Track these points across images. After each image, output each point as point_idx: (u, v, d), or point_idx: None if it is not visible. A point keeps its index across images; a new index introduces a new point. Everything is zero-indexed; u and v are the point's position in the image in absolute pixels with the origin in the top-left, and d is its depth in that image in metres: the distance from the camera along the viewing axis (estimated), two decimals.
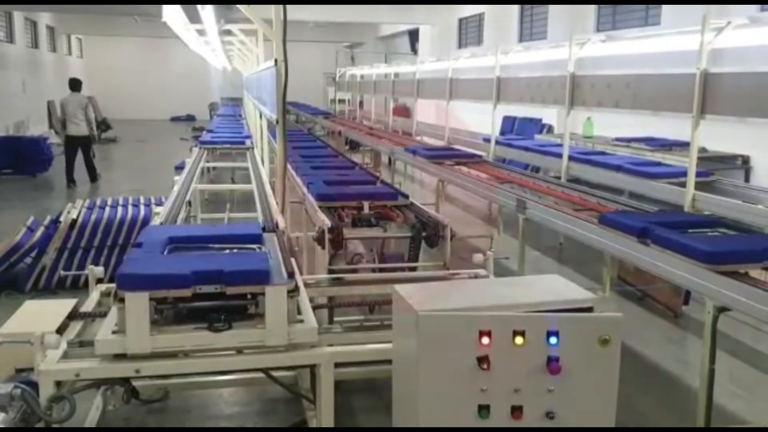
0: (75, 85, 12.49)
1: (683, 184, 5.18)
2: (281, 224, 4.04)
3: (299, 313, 2.82)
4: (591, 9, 11.64)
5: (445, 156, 7.86)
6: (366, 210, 4.29)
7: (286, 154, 4.56)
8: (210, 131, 11.21)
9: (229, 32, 11.03)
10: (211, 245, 3.18)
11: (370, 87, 15.25)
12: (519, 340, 2.08)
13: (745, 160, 7.52)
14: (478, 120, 10.43)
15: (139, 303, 2.57)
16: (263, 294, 2.68)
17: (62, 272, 5.88)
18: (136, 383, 2.96)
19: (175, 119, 29.55)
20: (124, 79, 28.76)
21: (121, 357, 2.61)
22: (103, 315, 3.01)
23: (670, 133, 7.82)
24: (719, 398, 3.59)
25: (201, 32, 11.44)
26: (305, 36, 23.18)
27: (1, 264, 6.00)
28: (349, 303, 3.73)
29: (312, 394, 3.15)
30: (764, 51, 4.93)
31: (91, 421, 3.32)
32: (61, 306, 3.22)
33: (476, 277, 3.57)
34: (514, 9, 14.65)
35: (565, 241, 7.43)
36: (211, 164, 9.03)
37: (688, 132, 5.02)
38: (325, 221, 3.91)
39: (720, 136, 7.03)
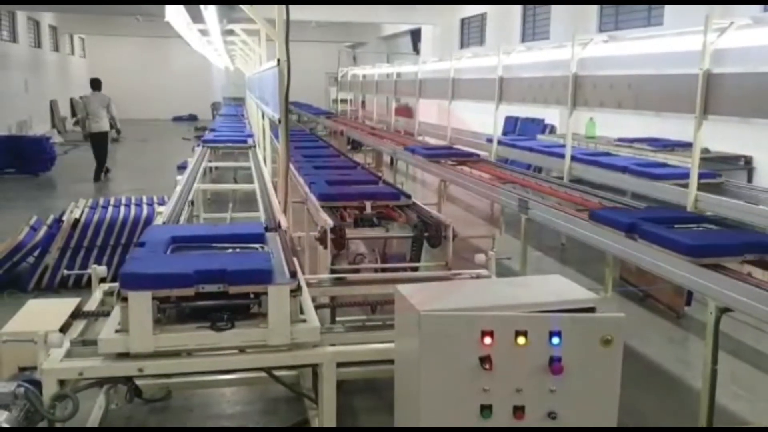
0: (96, 84, 12.96)
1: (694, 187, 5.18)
2: (283, 224, 4.04)
3: (301, 312, 2.82)
4: (593, 9, 11.63)
5: (443, 155, 7.94)
6: (368, 210, 4.29)
7: (289, 154, 4.56)
8: (212, 130, 11.30)
9: (231, 32, 11.03)
10: (213, 245, 3.19)
11: (372, 87, 15.24)
12: (521, 340, 2.08)
13: (748, 161, 7.51)
14: (481, 120, 10.44)
15: (141, 302, 2.57)
16: (266, 293, 2.69)
17: (65, 271, 5.89)
18: (138, 382, 2.96)
19: (177, 119, 29.58)
20: (126, 79, 28.70)
21: (123, 356, 2.62)
22: (106, 314, 3.02)
23: (671, 133, 7.81)
24: (721, 399, 3.58)
25: (203, 32, 11.45)
26: (307, 36, 23.19)
27: (4, 263, 6.01)
28: (351, 303, 3.74)
29: (314, 394, 3.15)
30: (767, 51, 4.92)
31: (93, 419, 3.32)
32: (64, 305, 3.24)
33: (478, 277, 3.58)
34: (517, 9, 14.65)
35: (567, 241, 7.43)
36: (214, 164, 9.03)
37: (690, 132, 5.02)
38: (328, 221, 3.91)
39: (722, 136, 7.02)
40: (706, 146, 6.67)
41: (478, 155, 8.18)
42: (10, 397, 2.62)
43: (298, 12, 7.53)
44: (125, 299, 2.58)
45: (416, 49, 22.45)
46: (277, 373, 3.00)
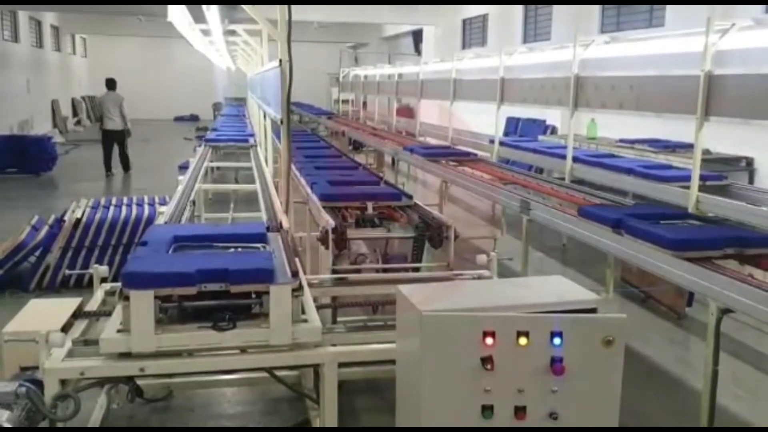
0: (111, 84, 13.57)
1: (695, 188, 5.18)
2: (285, 224, 4.04)
3: (303, 312, 2.82)
4: (595, 10, 11.63)
5: (441, 154, 8.02)
6: (370, 210, 4.29)
7: (291, 154, 4.56)
8: (214, 130, 11.38)
9: (233, 32, 11.04)
10: (215, 244, 3.20)
11: (374, 87, 15.24)
12: (523, 340, 2.09)
13: (749, 162, 7.51)
14: (482, 121, 10.43)
15: (143, 302, 2.57)
16: (267, 292, 2.69)
17: (66, 271, 5.89)
18: (140, 382, 2.96)
19: (178, 119, 29.60)
20: (127, 79, 28.54)
21: (125, 356, 2.62)
22: (108, 314, 3.03)
23: (671, 134, 7.80)
24: (722, 400, 3.58)
25: (205, 32, 11.46)
26: (309, 36, 23.17)
27: (6, 263, 6.02)
28: (352, 303, 3.74)
29: (315, 394, 3.15)
30: None
31: (95, 419, 3.33)
32: (66, 305, 3.24)
33: (480, 277, 3.58)
34: (518, 10, 14.64)
35: (569, 242, 7.42)
36: (215, 164, 9.04)
37: (690, 133, 5.01)
38: (329, 221, 3.92)
39: (723, 137, 7.01)
40: (708, 147, 6.66)
41: (475, 155, 8.24)
42: (12, 396, 2.63)
43: (299, 12, 7.53)
44: (127, 298, 2.58)
45: (418, 50, 22.46)
46: (278, 373, 3.00)
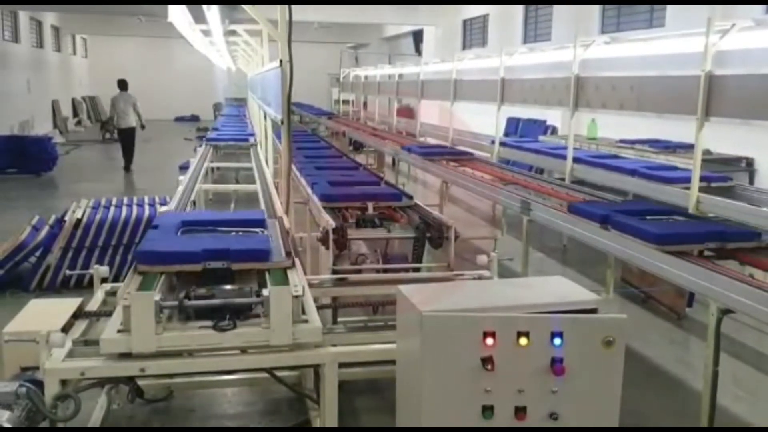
0: (123, 84, 14.48)
1: (701, 189, 5.18)
2: (285, 224, 4.04)
3: (303, 313, 2.83)
4: (595, 10, 11.63)
5: (438, 153, 8.16)
6: (370, 211, 4.30)
7: (291, 155, 4.57)
8: (215, 129, 11.43)
9: (233, 32, 11.05)
10: (219, 228, 3.54)
11: (374, 88, 15.23)
12: (523, 341, 2.08)
13: (750, 163, 7.50)
14: (482, 121, 10.42)
15: (144, 302, 2.58)
16: (266, 270, 2.99)
17: (67, 271, 5.90)
18: (140, 382, 2.97)
19: (179, 119, 29.58)
20: (128, 79, 28.68)
21: (125, 356, 2.62)
22: (108, 314, 3.03)
23: (670, 135, 7.80)
24: (722, 400, 3.58)
25: (206, 32, 11.48)
26: (309, 37, 23.18)
27: (6, 263, 6.03)
28: (353, 303, 3.74)
29: (316, 394, 3.16)
30: None
31: (95, 420, 3.33)
32: (66, 305, 3.24)
33: (480, 278, 3.58)
34: (519, 10, 14.64)
35: (569, 242, 7.42)
36: (216, 164, 9.05)
37: (690, 134, 5.01)
38: (329, 222, 3.92)
39: (723, 138, 7.00)
40: (708, 148, 6.65)
41: (471, 154, 8.32)
42: (12, 396, 2.63)
43: (300, 13, 7.55)
44: (141, 273, 2.88)
45: (418, 50, 22.46)
46: (278, 373, 3.00)
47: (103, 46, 29.42)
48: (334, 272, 3.73)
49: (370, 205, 4.34)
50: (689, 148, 6.33)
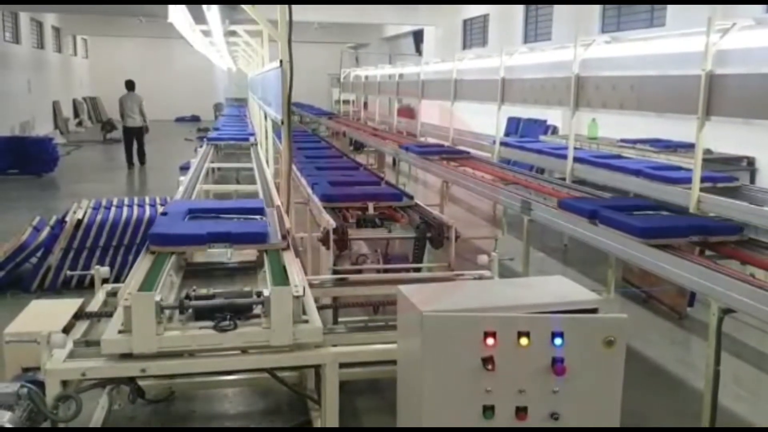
0: (130, 85, 14.83)
1: (707, 190, 5.19)
2: (286, 224, 4.04)
3: (304, 313, 2.82)
4: (596, 10, 11.62)
5: (436, 152, 8.28)
6: (371, 211, 4.30)
7: (291, 155, 4.57)
8: (216, 129, 11.50)
9: (234, 33, 11.06)
10: (222, 215, 3.89)
11: (375, 88, 15.24)
12: (524, 341, 2.08)
13: (751, 162, 7.50)
14: (483, 121, 10.43)
15: (145, 303, 2.58)
16: (265, 252, 3.36)
17: (68, 272, 5.89)
18: (141, 383, 2.97)
19: (179, 120, 29.58)
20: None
21: (126, 356, 2.62)
22: (109, 315, 3.03)
23: (669, 134, 7.79)
24: (723, 400, 3.58)
25: (206, 33, 11.48)
26: (310, 37, 23.19)
27: (7, 264, 6.03)
28: (353, 303, 3.74)
29: (316, 395, 3.15)
30: None
31: (96, 420, 3.33)
32: (67, 306, 3.24)
33: (480, 278, 3.58)
34: (519, 10, 14.64)
35: (570, 242, 7.42)
36: (216, 165, 9.04)
37: (690, 133, 5.00)
38: (330, 222, 3.92)
39: (724, 137, 7.00)
40: (709, 147, 6.65)
41: (468, 152, 8.37)
42: (14, 397, 2.63)
43: (300, 13, 7.53)
44: (153, 253, 3.27)
45: (418, 50, 22.46)
46: (279, 373, 3.00)
47: (104, 47, 29.43)
48: (335, 272, 3.73)
49: (371, 205, 4.34)
50: (690, 147, 6.33)
